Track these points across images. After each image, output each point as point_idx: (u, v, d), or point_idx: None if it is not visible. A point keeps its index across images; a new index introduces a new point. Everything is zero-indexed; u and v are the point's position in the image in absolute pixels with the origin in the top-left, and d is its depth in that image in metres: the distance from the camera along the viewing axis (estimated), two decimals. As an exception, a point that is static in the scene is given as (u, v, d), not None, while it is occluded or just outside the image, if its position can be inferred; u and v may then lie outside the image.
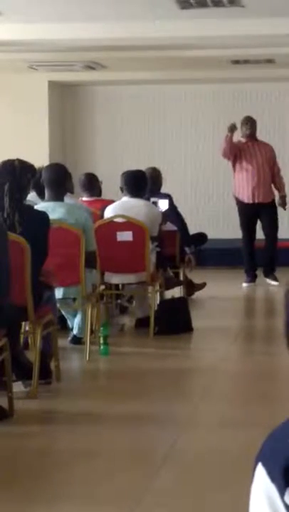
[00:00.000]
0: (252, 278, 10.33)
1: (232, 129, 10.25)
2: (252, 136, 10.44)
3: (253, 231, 10.45)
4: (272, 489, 1.39)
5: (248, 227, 10.41)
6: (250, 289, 10.22)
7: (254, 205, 10.33)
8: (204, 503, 3.76)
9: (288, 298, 1.48)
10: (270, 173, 10.42)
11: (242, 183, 10.38)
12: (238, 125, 10.34)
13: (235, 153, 10.33)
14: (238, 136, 10.43)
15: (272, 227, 10.39)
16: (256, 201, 10.32)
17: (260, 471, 1.42)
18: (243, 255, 10.46)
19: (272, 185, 10.48)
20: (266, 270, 10.35)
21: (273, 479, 1.39)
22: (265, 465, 1.42)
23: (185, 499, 3.78)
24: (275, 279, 10.19)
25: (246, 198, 10.36)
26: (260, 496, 1.42)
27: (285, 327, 1.48)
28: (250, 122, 10.45)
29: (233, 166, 10.45)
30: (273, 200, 10.46)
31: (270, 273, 10.34)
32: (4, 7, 8.69)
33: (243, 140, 10.45)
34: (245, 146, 10.39)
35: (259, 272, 10.36)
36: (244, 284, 10.25)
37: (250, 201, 10.35)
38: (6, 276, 4.89)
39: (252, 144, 10.41)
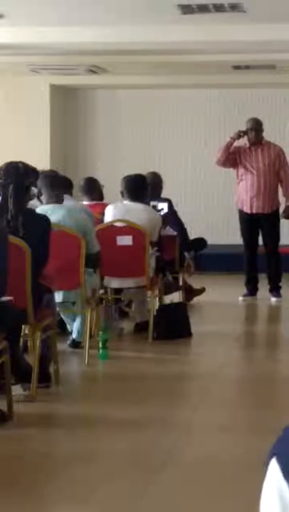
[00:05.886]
0: (250, 292, 9.77)
1: (239, 136, 9.59)
2: (257, 142, 9.66)
3: (254, 243, 9.76)
4: (284, 486, 1.37)
5: (248, 239, 9.76)
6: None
7: (253, 216, 9.70)
8: (203, 508, 3.76)
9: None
10: (276, 179, 9.65)
11: (242, 192, 9.70)
12: (243, 127, 9.68)
13: (234, 160, 9.67)
14: (244, 140, 9.78)
15: (272, 240, 9.74)
16: (254, 212, 9.63)
17: (274, 467, 1.38)
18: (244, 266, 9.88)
19: (283, 192, 9.74)
20: (270, 286, 9.77)
21: (286, 476, 1.37)
22: (279, 461, 1.38)
23: (183, 503, 3.79)
24: (278, 295, 9.68)
25: (245, 207, 9.69)
26: (271, 492, 1.39)
27: None
28: (255, 128, 9.64)
29: (237, 173, 9.78)
30: (275, 211, 9.72)
31: (273, 289, 9.74)
32: (7, 10, 8.71)
33: (247, 144, 9.70)
34: (248, 151, 9.66)
35: (262, 283, 9.85)
36: (240, 298, 9.72)
37: (249, 211, 9.65)
38: (2, 279, 4.89)
39: (255, 148, 9.65)
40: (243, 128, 9.78)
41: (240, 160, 9.72)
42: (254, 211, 9.68)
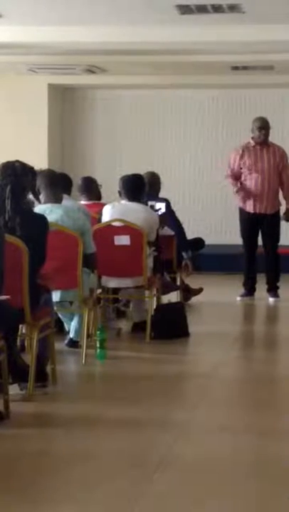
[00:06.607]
0: (248, 292, 9.80)
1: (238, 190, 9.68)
2: (264, 142, 9.70)
3: (254, 243, 9.78)
4: None
5: (247, 239, 9.78)
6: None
7: (255, 215, 9.69)
8: (201, 507, 3.76)
9: None
10: (278, 180, 9.69)
11: (245, 192, 9.69)
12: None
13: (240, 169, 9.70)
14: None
15: (272, 240, 9.75)
16: (257, 211, 9.67)
17: None
18: (242, 266, 9.91)
19: (283, 195, 9.78)
20: (268, 286, 9.78)
21: None
22: None
23: (182, 503, 3.78)
24: (276, 296, 9.71)
25: (248, 207, 9.71)
26: None
27: None
28: (264, 128, 9.64)
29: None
30: (277, 212, 9.77)
31: (271, 289, 9.77)
32: (5, 9, 8.70)
33: (252, 143, 9.73)
34: (252, 150, 9.68)
35: (259, 283, 9.86)
36: (238, 298, 9.74)
37: (252, 211, 9.69)
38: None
39: (261, 148, 9.67)
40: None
41: (244, 161, 9.71)
42: (257, 211, 9.72)
